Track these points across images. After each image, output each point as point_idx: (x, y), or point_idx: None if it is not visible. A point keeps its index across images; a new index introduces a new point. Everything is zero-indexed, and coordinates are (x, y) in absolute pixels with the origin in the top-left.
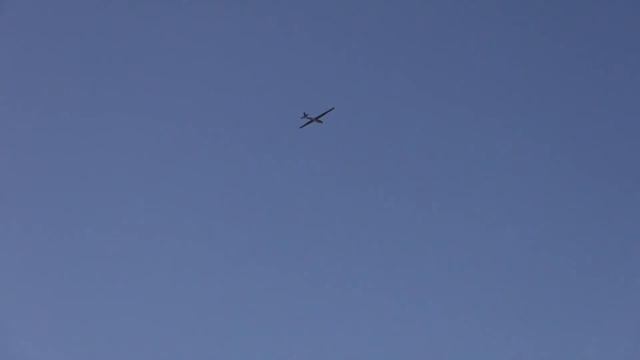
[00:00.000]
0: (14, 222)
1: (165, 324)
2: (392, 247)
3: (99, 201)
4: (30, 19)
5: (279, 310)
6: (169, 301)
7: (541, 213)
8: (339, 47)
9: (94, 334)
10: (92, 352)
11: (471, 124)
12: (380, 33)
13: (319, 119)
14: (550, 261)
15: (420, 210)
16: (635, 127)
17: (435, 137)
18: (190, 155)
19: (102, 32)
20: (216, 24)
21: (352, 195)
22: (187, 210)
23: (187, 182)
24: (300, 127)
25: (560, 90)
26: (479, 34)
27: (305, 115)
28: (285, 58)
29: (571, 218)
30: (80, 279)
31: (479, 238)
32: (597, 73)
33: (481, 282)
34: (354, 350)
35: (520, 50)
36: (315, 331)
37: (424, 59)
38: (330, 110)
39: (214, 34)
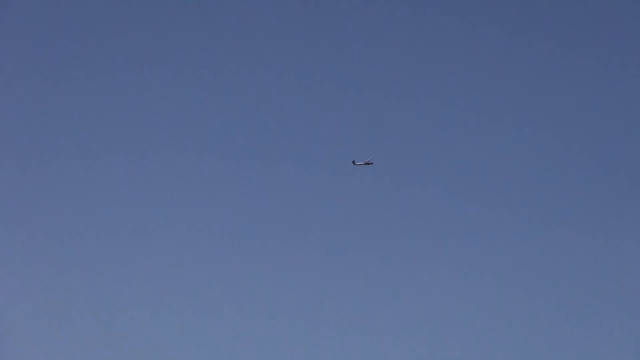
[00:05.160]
0: (13, 222)
1: (166, 324)
2: (396, 250)
3: (98, 201)
4: (29, 18)
5: (282, 310)
6: (170, 301)
7: (545, 212)
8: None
9: (94, 334)
10: (92, 352)
11: (473, 125)
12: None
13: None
14: (553, 261)
15: (425, 208)
16: (635, 127)
17: (437, 135)
18: (192, 157)
19: (102, 32)
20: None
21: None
22: (188, 210)
23: (187, 183)
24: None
25: (571, 97)
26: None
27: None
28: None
29: (575, 218)
30: (80, 279)
31: (482, 238)
32: (598, 74)
33: (484, 281)
34: (355, 350)
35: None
36: (317, 331)
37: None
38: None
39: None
